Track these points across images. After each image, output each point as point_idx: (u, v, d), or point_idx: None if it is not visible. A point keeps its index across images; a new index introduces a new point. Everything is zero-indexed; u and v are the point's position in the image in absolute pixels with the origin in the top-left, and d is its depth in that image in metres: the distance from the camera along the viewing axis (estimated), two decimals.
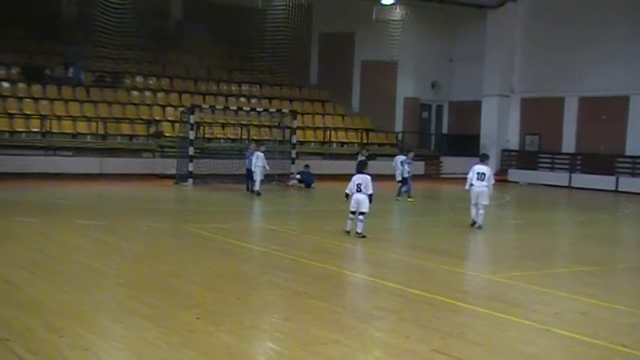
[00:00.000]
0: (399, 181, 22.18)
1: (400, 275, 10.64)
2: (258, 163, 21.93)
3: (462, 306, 8.71)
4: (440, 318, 8.15)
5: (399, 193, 22.03)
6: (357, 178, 13.75)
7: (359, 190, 13.59)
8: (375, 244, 14.00)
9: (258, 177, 21.89)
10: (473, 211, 15.91)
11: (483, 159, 16.64)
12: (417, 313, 8.29)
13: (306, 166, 26.02)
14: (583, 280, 10.70)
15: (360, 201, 13.56)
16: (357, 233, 13.65)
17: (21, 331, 6.98)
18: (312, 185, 25.18)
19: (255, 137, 29.58)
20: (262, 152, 22.35)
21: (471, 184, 15.72)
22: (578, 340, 7.46)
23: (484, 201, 15.61)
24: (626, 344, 7.32)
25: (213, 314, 7.96)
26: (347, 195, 13.85)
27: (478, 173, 15.71)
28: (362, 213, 13.55)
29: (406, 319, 8.05)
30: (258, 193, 21.68)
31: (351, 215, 13.89)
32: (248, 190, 22.34)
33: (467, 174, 16.10)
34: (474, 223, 15.83)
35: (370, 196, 13.59)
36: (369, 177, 13.69)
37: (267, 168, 22.32)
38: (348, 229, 13.95)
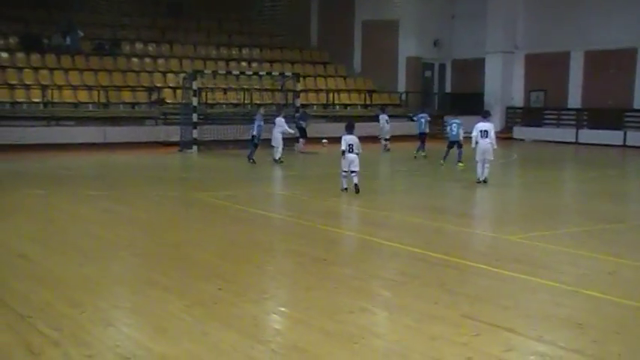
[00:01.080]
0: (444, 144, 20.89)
1: (418, 238, 10.48)
2: (277, 129, 21.20)
3: (485, 269, 8.55)
4: (465, 282, 8.01)
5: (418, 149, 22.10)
6: (349, 139, 14.38)
7: (350, 151, 14.28)
8: (389, 207, 13.87)
9: (279, 144, 21.07)
10: (479, 168, 16.14)
11: (486, 116, 16.80)
12: (441, 278, 8.14)
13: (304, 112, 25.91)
14: (604, 239, 10.54)
15: (352, 160, 14.28)
16: (355, 185, 14.29)
17: (42, 307, 6.83)
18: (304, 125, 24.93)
19: (257, 102, 29.32)
20: (283, 117, 21.88)
21: (476, 142, 15.98)
22: (609, 300, 7.31)
23: (490, 156, 15.95)
24: None
25: (235, 284, 7.81)
26: (343, 152, 14.40)
27: (481, 131, 15.96)
28: (354, 171, 14.32)
29: (431, 283, 7.90)
30: (281, 161, 20.88)
31: (345, 174, 14.49)
32: (250, 159, 20.82)
33: (471, 133, 16.28)
34: (479, 180, 16.09)
35: (357, 154, 14.38)
36: (357, 138, 14.47)
37: (292, 131, 22.26)
38: (345, 186, 14.53)
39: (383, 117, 26.18)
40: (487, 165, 16.03)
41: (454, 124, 20.38)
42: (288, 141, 22.67)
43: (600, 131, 29.22)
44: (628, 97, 29.11)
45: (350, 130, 14.65)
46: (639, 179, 20.13)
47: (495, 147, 16.22)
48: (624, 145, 28.13)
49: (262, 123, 21.35)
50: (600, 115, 30.01)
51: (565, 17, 30.96)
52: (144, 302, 7.20)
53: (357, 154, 14.33)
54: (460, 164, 19.53)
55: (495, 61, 33.75)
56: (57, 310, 6.78)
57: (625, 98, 29.05)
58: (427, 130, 23.41)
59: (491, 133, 16.03)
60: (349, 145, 14.32)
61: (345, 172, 14.45)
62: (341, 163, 14.58)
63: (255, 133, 21.12)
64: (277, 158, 21.04)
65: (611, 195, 15.95)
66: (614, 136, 28.60)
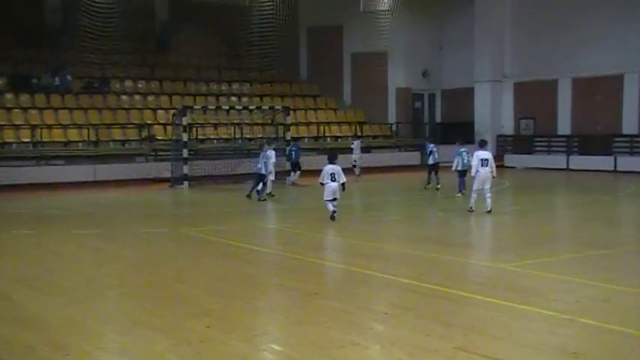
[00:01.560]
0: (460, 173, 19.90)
1: (411, 269, 10.35)
2: (270, 162, 20.35)
3: (479, 299, 8.42)
4: (458, 313, 7.87)
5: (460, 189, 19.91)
6: (330, 169, 15.11)
7: (334, 180, 14.98)
8: (381, 238, 13.76)
9: (270, 177, 20.37)
10: (474, 197, 16.13)
11: (482, 144, 16.78)
12: (434, 309, 8.00)
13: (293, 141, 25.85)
14: (598, 265, 10.44)
15: (336, 189, 15.04)
16: (333, 212, 15.03)
17: (24, 352, 6.67)
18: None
19: (248, 136, 29.32)
20: (274, 150, 21.11)
21: (477, 171, 15.91)
22: (606, 328, 7.19)
23: (489, 185, 15.94)
24: None
25: (224, 321, 7.66)
26: (322, 184, 15.16)
27: (482, 159, 15.93)
28: (335, 199, 15.11)
29: (424, 315, 7.76)
30: (271, 195, 20.43)
31: (335, 202, 15.14)
32: (249, 195, 19.89)
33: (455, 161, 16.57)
34: (472, 209, 16.14)
35: (343, 185, 15.13)
36: (339, 168, 15.20)
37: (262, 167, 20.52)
38: (331, 210, 15.11)
39: (357, 143, 26.60)
40: (489, 195, 15.97)
41: (464, 153, 19.99)
42: (279, 174, 22.55)
43: (590, 157, 29.30)
44: (617, 122, 29.25)
45: (332, 160, 15.34)
46: (631, 204, 20.06)
47: (495, 176, 16.24)
48: (615, 171, 28.15)
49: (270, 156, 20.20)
50: (590, 141, 30.08)
51: (552, 45, 31.19)
52: (130, 343, 7.03)
53: (341, 183, 15.03)
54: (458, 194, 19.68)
55: (484, 89, 33.92)
56: (40, 355, 6.61)
57: (614, 124, 29.17)
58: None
59: (492, 162, 16.02)
60: (331, 174, 15.00)
61: (329, 200, 15.11)
62: (324, 192, 15.16)
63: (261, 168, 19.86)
64: (268, 192, 20.69)
65: (604, 220, 15.89)
66: (604, 162, 28.66)
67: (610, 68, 29.09)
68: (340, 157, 16.46)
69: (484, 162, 15.87)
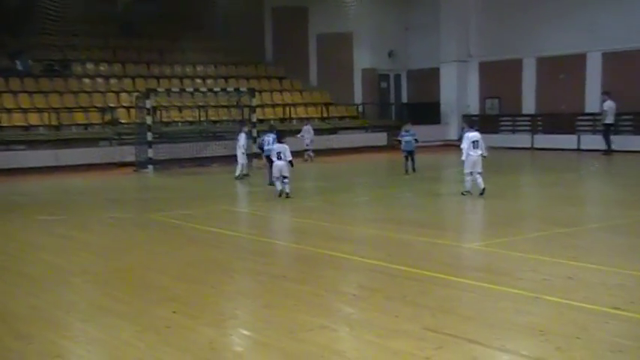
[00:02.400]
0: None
1: (379, 251, 10.35)
2: (243, 143, 20.93)
3: (447, 279, 8.44)
4: (427, 293, 7.88)
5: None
6: (278, 148, 15.83)
7: (279, 158, 15.61)
8: (348, 220, 13.75)
9: (241, 160, 20.79)
10: (468, 180, 15.55)
11: (472, 125, 16.48)
12: (403, 290, 8.00)
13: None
14: (563, 243, 10.53)
15: (282, 167, 15.65)
16: (286, 194, 15.73)
17: None
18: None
19: (213, 119, 29.11)
20: (246, 132, 21.69)
21: (469, 154, 15.34)
22: (570, 305, 7.25)
23: (480, 169, 15.40)
24: (618, 306, 7.12)
25: (191, 307, 7.58)
26: (271, 161, 16.06)
27: (473, 142, 15.34)
28: (285, 177, 15.68)
29: (392, 297, 7.76)
30: (241, 177, 20.71)
31: (285, 180, 15.79)
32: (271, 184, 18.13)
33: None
34: (467, 192, 15.56)
35: (290, 162, 15.67)
36: (287, 146, 15.77)
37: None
38: (279, 189, 15.86)
39: (307, 128, 26.77)
40: (480, 178, 15.36)
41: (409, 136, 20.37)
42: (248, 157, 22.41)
43: (555, 136, 29.57)
44: (580, 101, 29.50)
45: (280, 139, 16.14)
46: (594, 182, 20.30)
47: (486, 155, 15.59)
48: (578, 149, 28.46)
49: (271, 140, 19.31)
50: (554, 120, 30.35)
51: (516, 25, 31.32)
52: (95, 330, 6.93)
53: (287, 161, 15.60)
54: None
55: (450, 70, 34.01)
56: (3, 344, 6.49)
57: (577, 103, 29.43)
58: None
59: (482, 143, 15.45)
60: (278, 152, 15.68)
61: (277, 177, 15.81)
62: (272, 170, 16.01)
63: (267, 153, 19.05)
64: (237, 174, 20.84)
65: (569, 199, 16.05)
66: (568, 141, 28.93)
67: (573, 47, 29.31)
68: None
69: (475, 144, 15.33)
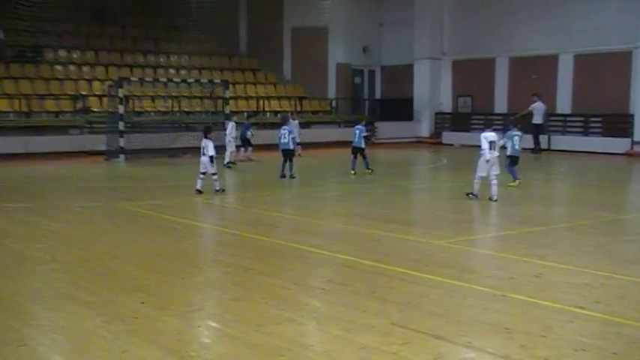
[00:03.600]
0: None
1: (348, 245, 10.37)
2: (232, 134, 22.11)
3: (415, 275, 8.50)
4: (395, 289, 7.92)
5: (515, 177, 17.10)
6: (203, 143, 15.34)
7: (204, 154, 15.18)
8: (318, 214, 13.77)
9: (229, 147, 21.98)
10: (478, 183, 14.65)
11: (490, 125, 15.60)
12: (371, 285, 8.04)
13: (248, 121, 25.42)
14: (531, 242, 10.64)
15: (204, 162, 15.18)
16: (216, 190, 15.31)
17: None
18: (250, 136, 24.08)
19: (186, 109, 28.93)
20: (235, 122, 22.81)
21: (481, 154, 14.42)
22: (536, 304, 7.34)
23: (497, 170, 14.47)
24: (582, 305, 7.23)
25: (158, 297, 7.55)
26: (211, 158, 15.28)
27: (491, 142, 14.28)
28: (213, 174, 15.27)
29: (360, 291, 7.79)
30: (229, 166, 21.62)
31: (202, 176, 15.30)
32: (284, 176, 18.62)
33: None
34: (471, 194, 14.70)
35: (211, 157, 15.06)
36: (210, 141, 15.24)
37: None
38: (198, 187, 15.32)
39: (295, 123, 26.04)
40: (495, 182, 14.38)
41: (357, 131, 19.60)
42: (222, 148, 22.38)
43: (526, 135, 29.69)
44: (551, 101, 29.78)
45: (206, 134, 15.51)
46: (563, 182, 20.53)
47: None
48: (549, 149, 28.75)
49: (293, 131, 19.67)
50: (525, 119, 30.53)
51: (490, 24, 31.54)
52: (61, 319, 6.87)
53: (210, 157, 15.08)
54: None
55: (423, 67, 34.14)
56: None
57: (548, 103, 29.70)
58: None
59: (497, 145, 14.51)
60: (202, 148, 15.28)
61: (203, 173, 15.28)
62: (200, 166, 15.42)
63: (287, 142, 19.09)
64: (226, 163, 21.60)
65: (537, 198, 16.24)
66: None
67: (545, 48, 29.59)
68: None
69: (492, 145, 14.24)
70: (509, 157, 16.86)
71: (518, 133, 16.88)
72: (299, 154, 22.54)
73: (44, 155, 23.90)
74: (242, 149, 24.00)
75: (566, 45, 29.08)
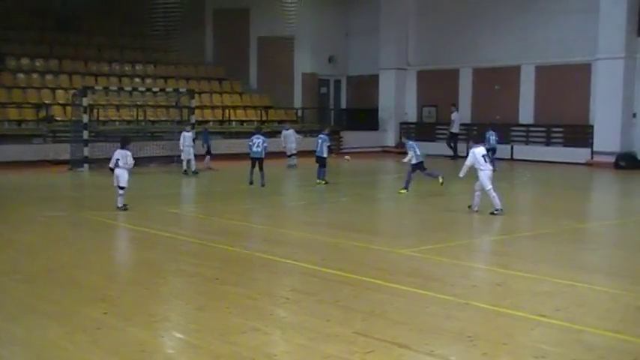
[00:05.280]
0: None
1: (313, 255, 10.40)
2: (186, 142, 22.26)
3: (379, 284, 8.55)
4: (359, 298, 7.97)
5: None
6: (117, 154, 14.40)
7: (117, 166, 14.22)
8: (284, 223, 13.79)
9: (188, 156, 22.21)
10: (478, 197, 14.48)
11: (477, 140, 15.71)
12: (335, 294, 8.07)
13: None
14: (494, 250, 10.79)
15: (119, 175, 14.22)
16: (117, 207, 14.19)
17: None
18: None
19: (152, 118, 28.77)
20: (189, 132, 22.81)
21: (482, 169, 14.13)
22: (498, 312, 7.44)
23: (491, 185, 14.23)
24: (544, 313, 7.33)
25: (122, 308, 7.51)
26: (111, 169, 14.44)
27: (484, 156, 14.23)
28: (121, 187, 14.18)
29: (324, 300, 7.82)
30: (189, 173, 22.05)
31: (120, 191, 14.30)
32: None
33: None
34: (471, 207, 14.59)
35: (128, 170, 14.30)
36: (129, 152, 14.43)
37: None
38: (119, 205, 14.30)
39: (290, 133, 25.86)
40: (494, 193, 14.16)
41: (319, 140, 19.75)
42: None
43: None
44: (514, 112, 30.21)
45: (123, 144, 14.67)
46: (526, 192, 20.79)
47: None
48: (512, 159, 29.12)
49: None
50: (489, 129, 30.92)
51: (454, 35, 31.89)
52: (22, 331, 6.78)
53: (125, 169, 14.28)
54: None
55: (389, 77, 34.39)
56: None
57: (511, 113, 30.12)
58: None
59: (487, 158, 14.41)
60: (117, 159, 14.33)
61: (122, 188, 14.34)
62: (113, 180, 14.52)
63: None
64: (193, 170, 22.17)
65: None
66: (502, 150, 29.40)
67: (508, 59, 30.02)
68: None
69: (484, 158, 14.19)
70: (416, 164, 17.80)
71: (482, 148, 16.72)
72: (342, 157, 22.51)
73: (7, 164, 23.54)
74: (207, 157, 24.03)
75: (528, 56, 29.54)
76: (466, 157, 14.88)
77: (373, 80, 34.92)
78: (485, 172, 14.13)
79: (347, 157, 23.53)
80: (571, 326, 6.97)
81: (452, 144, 30.34)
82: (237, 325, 6.92)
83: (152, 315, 7.33)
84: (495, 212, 14.01)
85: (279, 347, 6.47)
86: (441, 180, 17.85)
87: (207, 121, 30.28)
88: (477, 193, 14.46)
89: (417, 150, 17.84)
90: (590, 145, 27.69)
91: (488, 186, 14.12)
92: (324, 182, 19.38)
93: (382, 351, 6.21)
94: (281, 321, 7.18)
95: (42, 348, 6.29)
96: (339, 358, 6.04)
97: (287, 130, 26.02)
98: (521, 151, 29.37)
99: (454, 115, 30.17)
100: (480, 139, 16.07)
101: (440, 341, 6.53)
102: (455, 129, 30.06)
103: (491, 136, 24.80)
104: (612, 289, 8.55)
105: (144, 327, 6.89)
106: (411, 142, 18.24)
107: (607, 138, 26.81)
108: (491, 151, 21.35)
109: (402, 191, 17.64)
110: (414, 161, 17.76)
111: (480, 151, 14.33)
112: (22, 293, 8.23)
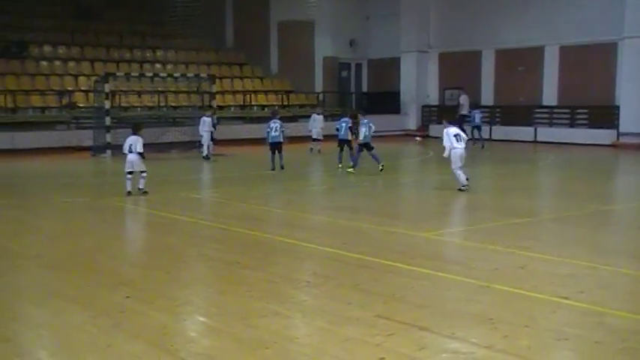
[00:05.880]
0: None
1: (334, 238, 10.41)
2: (205, 127, 22.44)
3: (400, 267, 8.54)
4: (379, 281, 7.96)
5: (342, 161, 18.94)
6: (130, 140, 14.54)
7: (131, 151, 14.38)
8: (306, 207, 13.80)
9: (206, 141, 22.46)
10: (461, 174, 14.91)
11: (451, 120, 16.16)
12: (356, 278, 8.07)
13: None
14: (516, 233, 10.70)
15: (134, 161, 14.38)
16: (139, 189, 14.39)
17: None
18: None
19: (173, 104, 28.91)
20: (208, 117, 22.86)
21: (454, 148, 14.75)
22: (520, 294, 7.39)
23: (462, 162, 14.88)
24: (566, 296, 7.28)
25: (144, 292, 7.57)
26: (124, 154, 14.66)
27: (456, 135, 14.91)
28: (142, 172, 14.41)
29: (345, 284, 7.83)
30: (207, 157, 22.26)
31: (129, 176, 14.43)
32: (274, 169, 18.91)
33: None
34: (464, 187, 14.84)
35: (141, 154, 14.39)
36: (140, 138, 14.59)
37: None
38: (128, 189, 14.38)
39: (319, 117, 25.57)
40: (460, 172, 14.87)
41: (343, 124, 19.40)
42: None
43: (512, 127, 29.96)
44: (537, 93, 29.92)
45: (135, 131, 14.84)
46: (549, 174, 20.63)
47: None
48: (535, 141, 28.91)
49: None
50: (512, 111, 30.76)
51: (476, 17, 31.61)
52: (46, 315, 6.88)
53: (139, 154, 14.41)
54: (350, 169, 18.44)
55: (410, 60, 34.20)
56: None
57: (535, 95, 29.85)
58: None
59: (463, 136, 15.17)
60: (130, 145, 14.45)
61: (129, 173, 14.44)
62: (126, 165, 14.62)
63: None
64: (204, 155, 22.35)
65: (523, 190, 16.30)
66: (525, 132, 29.38)
67: (531, 40, 29.71)
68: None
69: (457, 137, 14.85)
70: (362, 143, 18.26)
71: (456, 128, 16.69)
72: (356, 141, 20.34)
73: (30, 151, 23.81)
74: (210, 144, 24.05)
75: (552, 37, 29.20)
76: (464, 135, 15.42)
77: (394, 63, 34.75)
78: (456, 150, 14.76)
79: (418, 138, 23.49)
80: (593, 309, 6.92)
81: (462, 126, 30.10)
82: (258, 308, 6.94)
83: (174, 299, 7.38)
84: (462, 188, 14.75)
85: (299, 330, 6.49)
86: (380, 167, 18.10)
87: (228, 107, 30.41)
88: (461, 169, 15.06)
89: (368, 130, 18.23)
90: (616, 126, 27.39)
91: (457, 164, 14.81)
92: (350, 168, 18.52)
93: (403, 334, 6.21)
94: (302, 304, 7.20)
95: (66, 331, 6.36)
96: (360, 340, 6.04)
97: (318, 115, 25.78)
98: (545, 133, 29.13)
99: (462, 99, 30.03)
100: (454, 119, 16.60)
101: (461, 324, 6.51)
102: (464, 111, 29.72)
103: (477, 115, 27.36)
104: (635, 272, 8.49)
105: (166, 311, 6.94)
106: (366, 120, 18.51)
107: (633, 119, 26.49)
108: (476, 128, 26.90)
109: (350, 169, 18.20)
110: (360, 139, 18.28)
111: (452, 131, 15.02)
112: (47, 278, 8.32)
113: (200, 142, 22.98)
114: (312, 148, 24.81)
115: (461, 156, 14.80)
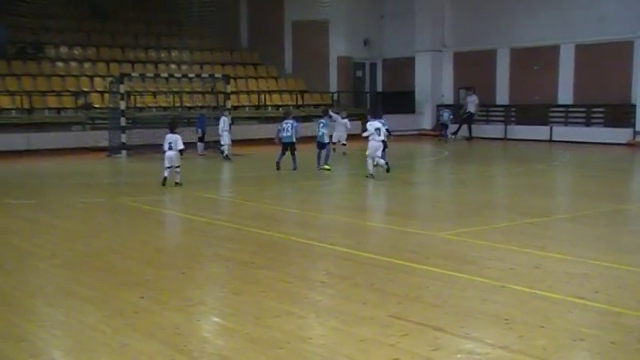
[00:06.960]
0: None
1: (348, 238, 10.38)
2: (225, 127, 22.55)
3: (414, 267, 8.51)
4: (394, 281, 7.93)
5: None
6: (169, 138, 15.70)
7: (170, 148, 15.50)
8: (320, 207, 13.78)
9: (226, 141, 22.55)
10: (369, 163, 16.85)
11: (375, 115, 17.79)
12: (370, 278, 8.05)
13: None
14: (531, 233, 10.63)
15: (172, 157, 15.51)
16: (176, 183, 15.58)
17: None
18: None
19: (188, 105, 29.00)
20: (226, 117, 23.02)
21: (373, 139, 16.64)
22: (535, 294, 7.34)
23: (380, 154, 16.81)
24: (582, 296, 7.23)
25: (158, 292, 7.57)
26: (164, 152, 15.68)
27: (377, 129, 16.68)
28: (177, 166, 15.58)
29: (359, 284, 7.80)
30: (227, 158, 22.36)
31: (167, 169, 15.54)
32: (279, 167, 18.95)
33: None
34: (369, 175, 16.82)
35: (181, 151, 15.68)
36: (178, 136, 15.74)
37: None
38: (165, 175, 15.57)
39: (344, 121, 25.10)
40: (382, 160, 16.86)
41: (321, 124, 19.41)
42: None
43: (527, 127, 29.82)
44: (553, 92, 29.74)
45: (172, 129, 15.99)
46: (564, 173, 20.50)
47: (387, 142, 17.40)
48: (550, 140, 28.74)
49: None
50: (527, 111, 30.60)
51: (491, 15, 31.48)
52: (61, 315, 6.89)
53: (179, 151, 15.55)
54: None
55: (425, 59, 34.08)
56: None
57: (550, 94, 29.67)
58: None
59: (383, 130, 16.90)
60: (169, 143, 15.54)
61: (168, 167, 15.50)
62: (164, 161, 15.60)
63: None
64: (225, 155, 22.42)
65: (538, 189, 16.20)
66: (540, 132, 29.21)
67: (547, 39, 29.53)
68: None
69: (377, 131, 16.66)
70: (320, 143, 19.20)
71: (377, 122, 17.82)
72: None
73: (46, 152, 23.97)
74: (199, 144, 24.24)
75: (568, 35, 29.01)
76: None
77: (409, 63, 34.65)
78: (373, 142, 16.58)
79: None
80: (610, 309, 6.86)
81: (469, 125, 30.99)
82: (272, 308, 6.93)
83: (188, 299, 7.38)
84: (368, 176, 16.73)
85: (313, 330, 6.47)
86: (327, 167, 18.88)
87: (242, 107, 30.46)
88: (377, 159, 16.78)
89: (323, 128, 19.31)
90: (633, 125, 27.17)
91: (370, 154, 16.68)
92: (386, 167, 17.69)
93: (417, 334, 6.18)
94: (316, 304, 7.18)
95: (80, 331, 6.38)
96: (374, 341, 6.02)
97: (343, 118, 24.99)
98: (561, 132, 28.93)
99: (470, 98, 30.80)
100: (377, 114, 18.05)
101: (476, 324, 6.47)
102: (472, 109, 30.67)
103: (444, 113, 30.78)
104: None
105: (180, 311, 6.94)
106: (323, 121, 19.63)
107: None
108: (443, 126, 30.74)
109: (327, 167, 18.97)
110: (325, 138, 19.24)
111: (374, 124, 16.81)
112: (61, 278, 8.35)
113: (220, 142, 22.96)
114: (334, 149, 24.62)
115: (376, 148, 16.61)
